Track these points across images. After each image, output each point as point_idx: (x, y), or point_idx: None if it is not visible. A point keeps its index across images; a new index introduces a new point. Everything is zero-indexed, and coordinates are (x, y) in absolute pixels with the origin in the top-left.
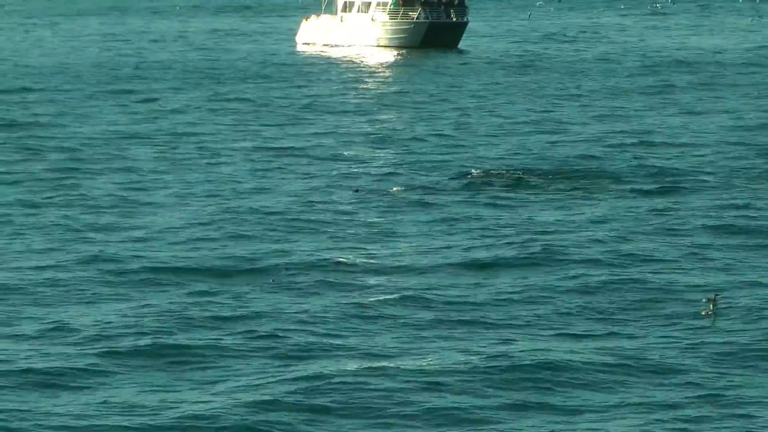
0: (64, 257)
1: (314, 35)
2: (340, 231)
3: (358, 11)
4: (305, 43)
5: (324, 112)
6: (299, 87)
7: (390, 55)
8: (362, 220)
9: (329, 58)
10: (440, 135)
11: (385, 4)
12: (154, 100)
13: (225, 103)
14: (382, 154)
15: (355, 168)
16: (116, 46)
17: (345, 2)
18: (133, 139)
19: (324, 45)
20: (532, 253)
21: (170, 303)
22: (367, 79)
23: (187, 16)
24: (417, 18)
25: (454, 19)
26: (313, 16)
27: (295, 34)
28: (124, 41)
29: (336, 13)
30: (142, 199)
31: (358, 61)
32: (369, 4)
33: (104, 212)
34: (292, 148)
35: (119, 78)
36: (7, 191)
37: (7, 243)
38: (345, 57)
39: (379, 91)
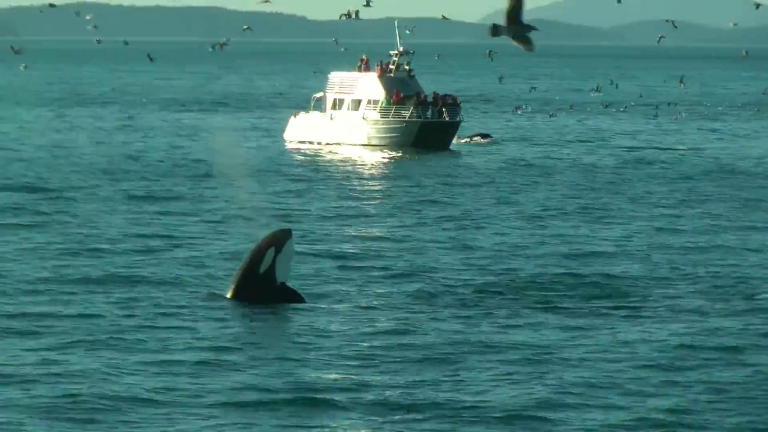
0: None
1: (303, 133)
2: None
3: (348, 109)
4: (293, 141)
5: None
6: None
7: (381, 155)
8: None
9: (318, 157)
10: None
11: (376, 102)
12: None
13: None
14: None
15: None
16: (100, 137)
17: (335, 99)
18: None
19: (312, 142)
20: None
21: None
22: (359, 182)
23: (166, 109)
24: (409, 117)
25: (447, 119)
26: (302, 113)
27: (282, 131)
28: (104, 132)
29: (325, 111)
30: None
31: (348, 160)
32: (359, 101)
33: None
34: None
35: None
36: None
37: None
38: (335, 156)
39: (375, 196)
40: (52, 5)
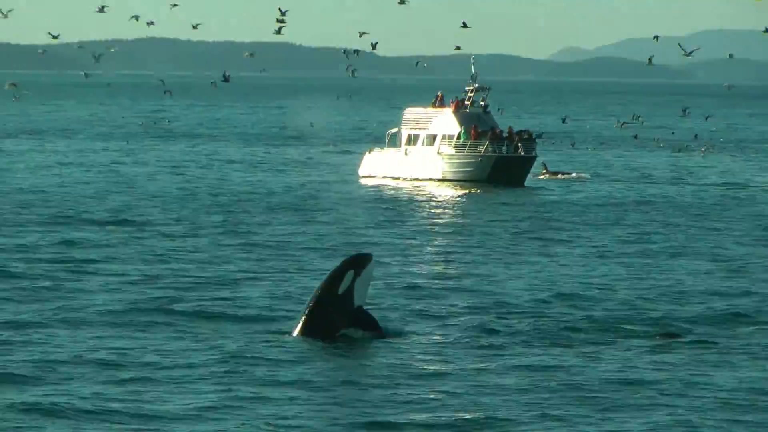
0: None
1: (377, 168)
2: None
3: (423, 144)
4: (368, 176)
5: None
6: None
7: (456, 191)
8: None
9: (395, 191)
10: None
11: (451, 137)
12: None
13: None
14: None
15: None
16: (163, 170)
17: (409, 135)
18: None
19: (386, 178)
20: None
21: None
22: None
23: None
24: (484, 152)
25: (522, 154)
26: (377, 149)
27: (357, 167)
28: (174, 166)
29: (399, 146)
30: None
31: (424, 196)
32: (434, 137)
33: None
34: None
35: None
36: None
37: None
38: (411, 191)
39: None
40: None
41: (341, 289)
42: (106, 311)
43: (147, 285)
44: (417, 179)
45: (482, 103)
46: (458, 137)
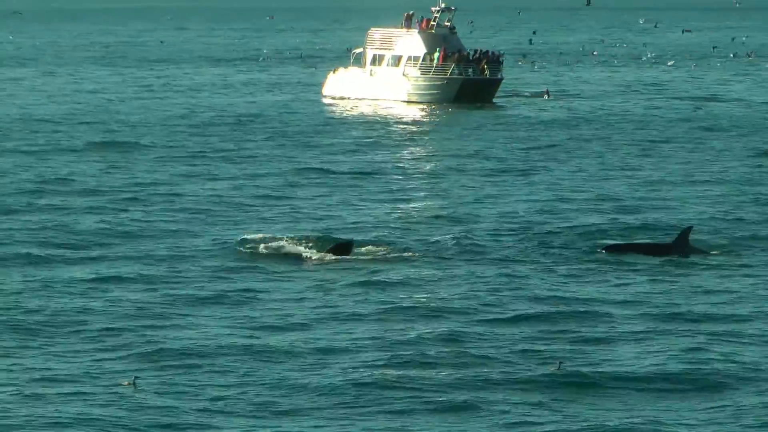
0: None
1: (342, 88)
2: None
3: (388, 65)
4: (332, 96)
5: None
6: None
7: (422, 111)
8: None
9: (360, 111)
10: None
11: (416, 59)
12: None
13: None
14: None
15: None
16: (123, 94)
17: (374, 55)
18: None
19: (351, 98)
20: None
21: None
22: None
23: (202, 65)
24: (450, 74)
25: (488, 76)
26: (341, 69)
27: (321, 87)
28: (139, 88)
29: (364, 67)
30: None
31: (390, 115)
32: (400, 58)
33: None
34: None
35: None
36: None
37: None
38: (375, 112)
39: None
40: None
41: None
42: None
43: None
44: (382, 100)
45: (447, 24)
46: (424, 60)
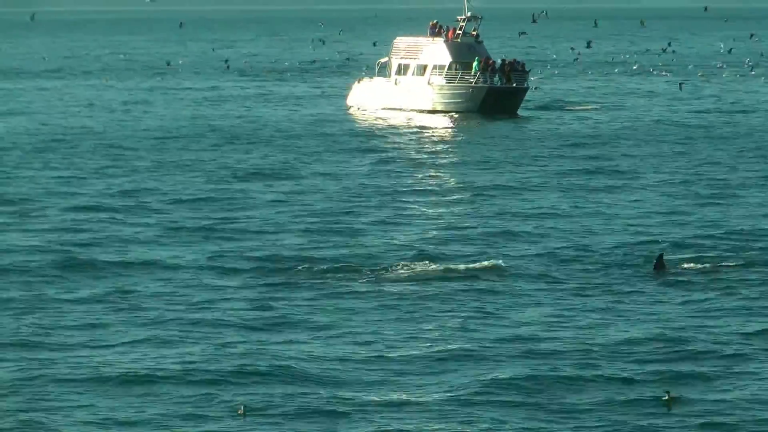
0: None
1: (367, 98)
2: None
3: (414, 74)
4: (357, 107)
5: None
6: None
7: (448, 120)
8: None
9: (386, 121)
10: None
11: (442, 67)
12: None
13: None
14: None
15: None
16: (142, 108)
17: (399, 65)
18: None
19: (377, 108)
20: None
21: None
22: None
23: (227, 78)
24: (476, 82)
25: (514, 85)
26: (366, 79)
27: (345, 97)
28: (151, 102)
29: (389, 76)
30: None
31: (413, 124)
32: (425, 67)
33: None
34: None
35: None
36: None
37: None
38: (402, 122)
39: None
40: None
41: None
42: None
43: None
44: (407, 109)
45: (474, 33)
46: (450, 68)
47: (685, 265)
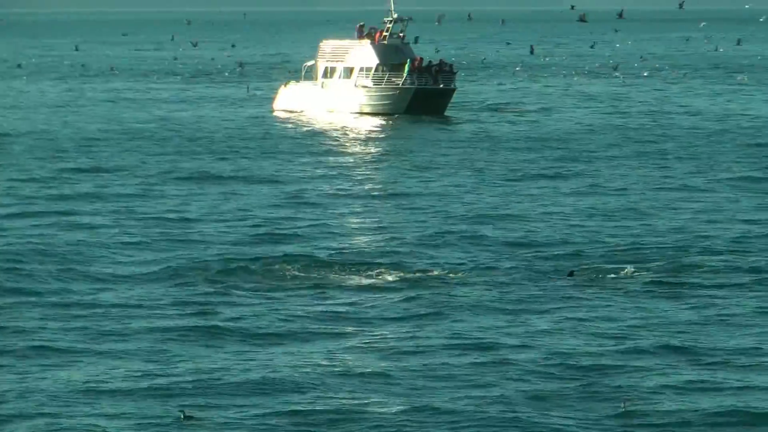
0: None
1: (294, 102)
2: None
3: (341, 77)
4: (284, 110)
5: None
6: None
7: (375, 122)
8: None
9: (314, 125)
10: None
11: (369, 69)
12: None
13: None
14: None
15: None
16: (77, 109)
17: (326, 68)
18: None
19: (304, 111)
20: None
21: None
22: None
23: (157, 81)
24: (403, 84)
25: (441, 86)
26: (292, 82)
27: (272, 101)
28: (93, 105)
29: (316, 79)
30: None
31: (342, 127)
32: (352, 69)
33: None
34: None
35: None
36: None
37: None
38: (330, 124)
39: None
40: None
41: None
42: None
43: None
44: (335, 111)
45: (401, 35)
46: (377, 70)
47: (601, 274)
